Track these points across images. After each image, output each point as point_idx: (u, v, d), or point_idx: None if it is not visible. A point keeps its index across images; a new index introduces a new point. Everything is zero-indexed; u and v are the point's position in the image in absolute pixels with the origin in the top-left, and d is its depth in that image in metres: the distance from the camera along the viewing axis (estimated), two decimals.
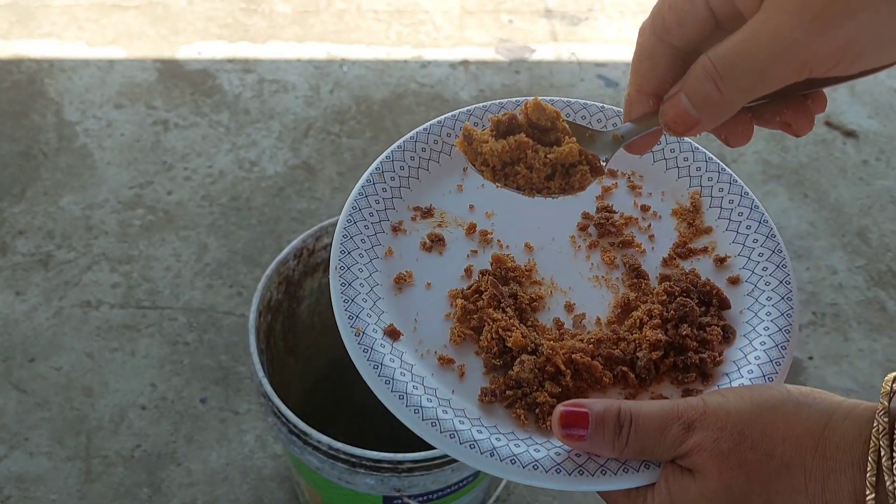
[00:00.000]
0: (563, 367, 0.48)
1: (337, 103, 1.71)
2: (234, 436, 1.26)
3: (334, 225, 1.05)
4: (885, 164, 1.67)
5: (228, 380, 1.31)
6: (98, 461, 1.22)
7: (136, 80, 1.72)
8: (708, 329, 0.50)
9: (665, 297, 0.52)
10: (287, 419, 0.89)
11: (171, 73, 1.74)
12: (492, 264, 0.54)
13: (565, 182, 0.47)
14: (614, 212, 0.57)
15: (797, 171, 1.65)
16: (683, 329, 0.50)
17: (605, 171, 0.48)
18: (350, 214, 0.54)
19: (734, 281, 0.53)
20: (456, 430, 0.46)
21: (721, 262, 0.54)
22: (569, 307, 0.53)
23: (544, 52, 1.84)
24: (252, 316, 0.96)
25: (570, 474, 0.44)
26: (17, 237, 1.46)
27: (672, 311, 0.51)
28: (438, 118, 0.58)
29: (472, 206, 0.56)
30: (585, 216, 0.57)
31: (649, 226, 0.57)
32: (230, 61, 1.77)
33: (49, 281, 1.41)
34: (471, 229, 0.56)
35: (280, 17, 1.87)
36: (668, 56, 0.41)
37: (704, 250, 0.55)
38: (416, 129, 0.58)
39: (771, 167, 1.65)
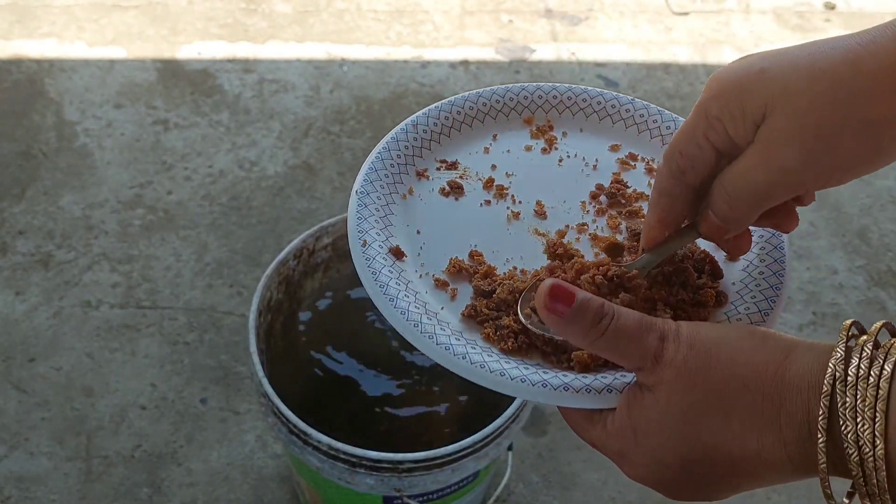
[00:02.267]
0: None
1: (337, 103, 1.71)
2: (235, 436, 1.26)
3: (334, 225, 1.05)
4: None
5: (229, 379, 1.31)
6: (98, 461, 1.22)
7: (136, 79, 1.72)
8: (701, 292, 0.52)
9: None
10: (287, 419, 0.89)
11: (171, 72, 1.74)
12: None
13: None
14: (628, 186, 0.60)
15: None
16: (674, 287, 0.52)
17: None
18: (379, 152, 0.58)
19: (731, 259, 0.56)
20: (435, 334, 0.50)
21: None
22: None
23: (544, 51, 1.84)
24: (252, 316, 0.96)
25: (533, 385, 0.47)
26: (17, 237, 1.46)
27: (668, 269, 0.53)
28: (480, 90, 0.63)
29: (494, 166, 0.60)
30: (599, 187, 0.60)
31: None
32: (230, 61, 1.77)
33: (49, 281, 1.41)
34: (489, 183, 0.59)
35: (280, 17, 1.88)
36: (683, 191, 0.48)
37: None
38: (458, 95, 0.62)
39: None
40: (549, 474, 1.25)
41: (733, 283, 0.54)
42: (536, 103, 0.63)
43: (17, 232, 1.47)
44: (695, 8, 1.97)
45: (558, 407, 0.48)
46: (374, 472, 0.89)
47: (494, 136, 0.62)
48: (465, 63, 1.80)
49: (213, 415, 1.28)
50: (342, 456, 0.89)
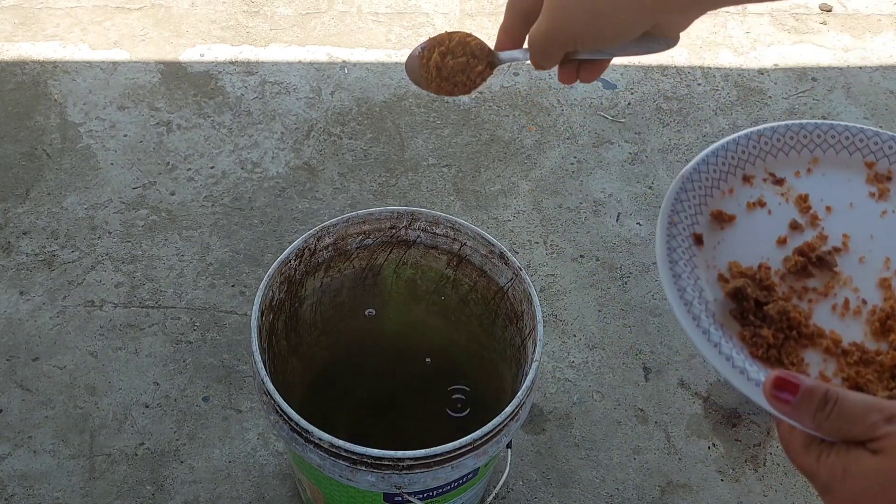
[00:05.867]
0: (804, 328, 0.54)
1: (338, 105, 1.73)
2: (237, 433, 1.27)
3: (336, 225, 1.06)
4: None
5: (231, 378, 1.32)
6: (102, 459, 1.24)
7: (139, 81, 1.73)
8: None
9: None
10: (289, 417, 0.90)
11: (174, 74, 1.75)
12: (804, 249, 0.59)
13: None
14: None
15: None
16: None
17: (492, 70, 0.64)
18: (716, 149, 0.62)
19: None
20: (698, 316, 0.53)
21: None
22: (846, 304, 0.57)
23: None
24: (254, 315, 0.97)
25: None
26: (22, 237, 1.47)
27: None
28: (832, 122, 0.64)
29: (815, 195, 0.62)
30: None
31: None
32: (232, 63, 1.78)
33: (53, 281, 1.42)
34: (805, 209, 0.61)
35: (282, 20, 1.89)
36: (515, 13, 0.61)
37: None
38: (810, 121, 0.64)
39: None
40: (548, 472, 1.27)
41: None
42: (885, 152, 0.63)
43: (21, 232, 1.48)
44: None
45: (778, 423, 0.50)
46: (375, 470, 0.90)
47: (829, 168, 0.63)
48: None
49: (215, 413, 1.29)
50: (343, 453, 0.89)
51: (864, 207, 0.61)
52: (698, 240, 0.58)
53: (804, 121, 0.64)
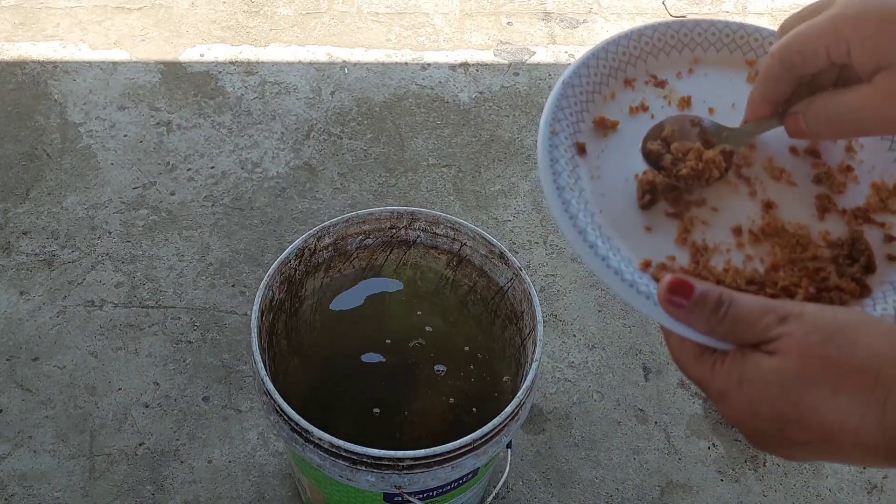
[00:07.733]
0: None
1: (338, 105, 1.73)
2: (237, 433, 1.27)
3: (336, 224, 1.06)
4: None
5: (231, 378, 1.32)
6: (101, 459, 1.24)
7: (139, 81, 1.73)
8: (844, 279, 0.52)
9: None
10: (289, 417, 0.90)
11: (174, 74, 1.75)
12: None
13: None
14: (819, 158, 0.59)
15: None
16: (826, 270, 0.52)
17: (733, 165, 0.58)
18: (596, 52, 0.59)
19: (893, 258, 0.55)
20: (584, 230, 0.51)
21: (890, 240, 0.55)
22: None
23: (543, 54, 1.85)
24: (254, 315, 0.97)
25: (656, 304, 0.48)
26: (22, 237, 1.47)
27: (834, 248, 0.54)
28: (712, 19, 0.63)
29: (697, 97, 0.60)
30: (792, 150, 0.59)
31: (844, 183, 0.58)
32: (232, 63, 1.79)
33: (53, 280, 1.42)
34: (685, 109, 0.60)
35: (282, 20, 1.89)
36: (789, 80, 0.53)
37: (882, 225, 0.56)
38: (692, 19, 0.63)
39: None
40: (548, 472, 1.27)
41: (881, 283, 0.53)
42: (765, 49, 0.61)
43: (21, 232, 1.48)
44: (692, 10, 1.98)
45: (668, 337, 0.49)
46: (375, 470, 0.90)
47: (710, 68, 0.62)
48: (465, 65, 1.81)
49: (215, 413, 1.29)
50: (343, 453, 0.89)
51: (745, 107, 0.60)
52: (581, 149, 0.56)
53: (686, 19, 0.62)
